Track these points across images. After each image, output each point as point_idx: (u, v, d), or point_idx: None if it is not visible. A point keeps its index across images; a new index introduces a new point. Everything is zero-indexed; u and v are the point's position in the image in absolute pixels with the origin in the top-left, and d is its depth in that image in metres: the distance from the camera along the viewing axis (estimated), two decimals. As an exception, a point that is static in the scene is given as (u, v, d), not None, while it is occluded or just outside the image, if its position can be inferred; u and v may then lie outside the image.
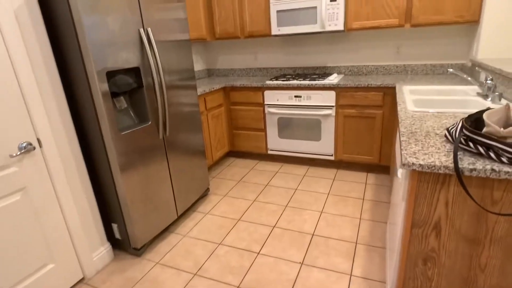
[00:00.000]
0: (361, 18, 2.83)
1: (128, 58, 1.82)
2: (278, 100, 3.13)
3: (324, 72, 3.48)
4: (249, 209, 2.55)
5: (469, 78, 2.11)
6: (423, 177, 1.07)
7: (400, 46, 3.08)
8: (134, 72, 1.92)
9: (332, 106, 2.92)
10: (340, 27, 2.85)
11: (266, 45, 3.68)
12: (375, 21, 2.79)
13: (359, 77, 3.10)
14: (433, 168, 1.01)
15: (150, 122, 2.03)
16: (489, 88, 1.79)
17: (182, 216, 2.51)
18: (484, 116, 1.06)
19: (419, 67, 3.07)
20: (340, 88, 2.84)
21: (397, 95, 2.10)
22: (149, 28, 1.94)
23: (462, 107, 1.88)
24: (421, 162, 1.02)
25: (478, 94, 1.95)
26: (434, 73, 3.03)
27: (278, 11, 3.02)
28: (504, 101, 1.68)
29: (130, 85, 1.89)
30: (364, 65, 3.28)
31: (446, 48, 2.93)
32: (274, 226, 2.29)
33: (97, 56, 1.63)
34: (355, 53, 3.29)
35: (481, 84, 2.01)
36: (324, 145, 3.09)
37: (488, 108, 1.15)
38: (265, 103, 3.21)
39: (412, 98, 1.94)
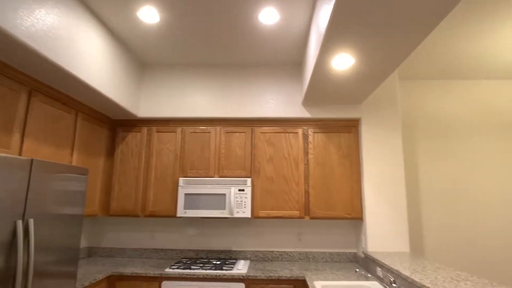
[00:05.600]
0: (266, 208, 3.00)
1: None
2: (179, 294, 2.62)
3: (230, 257, 3.26)
4: None
5: (369, 275, 2.23)
6: None
7: (301, 233, 3.27)
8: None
9: (242, 301, 2.57)
10: (248, 214, 2.91)
11: (166, 224, 3.40)
12: (279, 211, 2.98)
13: (265, 264, 2.98)
14: None
15: None
16: (397, 291, 1.87)
17: None
18: None
19: (319, 254, 3.20)
20: (250, 279, 2.60)
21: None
22: (31, 219, 1.50)
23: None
24: None
25: (386, 294, 2.00)
26: (333, 260, 3.18)
27: (186, 194, 2.97)
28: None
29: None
30: (269, 251, 3.24)
31: (340, 238, 3.24)
32: None
33: None
34: (260, 238, 3.29)
35: (380, 280, 2.14)
36: None
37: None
38: (162, 298, 2.63)
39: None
